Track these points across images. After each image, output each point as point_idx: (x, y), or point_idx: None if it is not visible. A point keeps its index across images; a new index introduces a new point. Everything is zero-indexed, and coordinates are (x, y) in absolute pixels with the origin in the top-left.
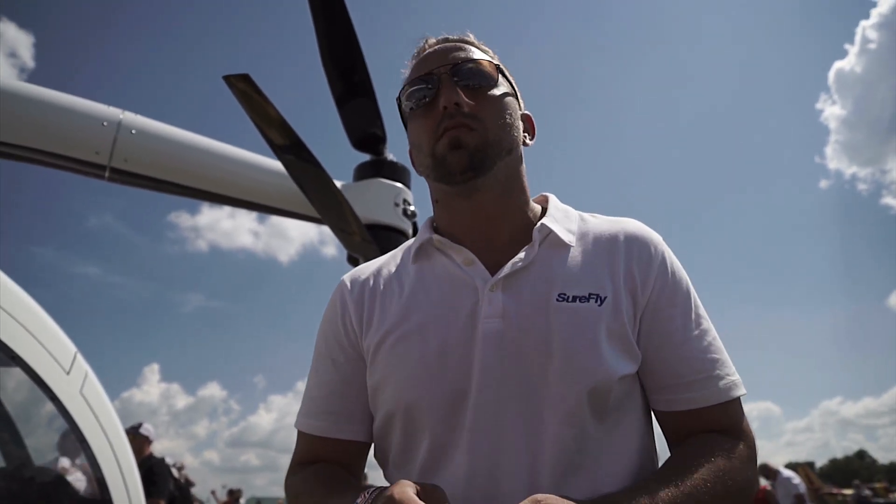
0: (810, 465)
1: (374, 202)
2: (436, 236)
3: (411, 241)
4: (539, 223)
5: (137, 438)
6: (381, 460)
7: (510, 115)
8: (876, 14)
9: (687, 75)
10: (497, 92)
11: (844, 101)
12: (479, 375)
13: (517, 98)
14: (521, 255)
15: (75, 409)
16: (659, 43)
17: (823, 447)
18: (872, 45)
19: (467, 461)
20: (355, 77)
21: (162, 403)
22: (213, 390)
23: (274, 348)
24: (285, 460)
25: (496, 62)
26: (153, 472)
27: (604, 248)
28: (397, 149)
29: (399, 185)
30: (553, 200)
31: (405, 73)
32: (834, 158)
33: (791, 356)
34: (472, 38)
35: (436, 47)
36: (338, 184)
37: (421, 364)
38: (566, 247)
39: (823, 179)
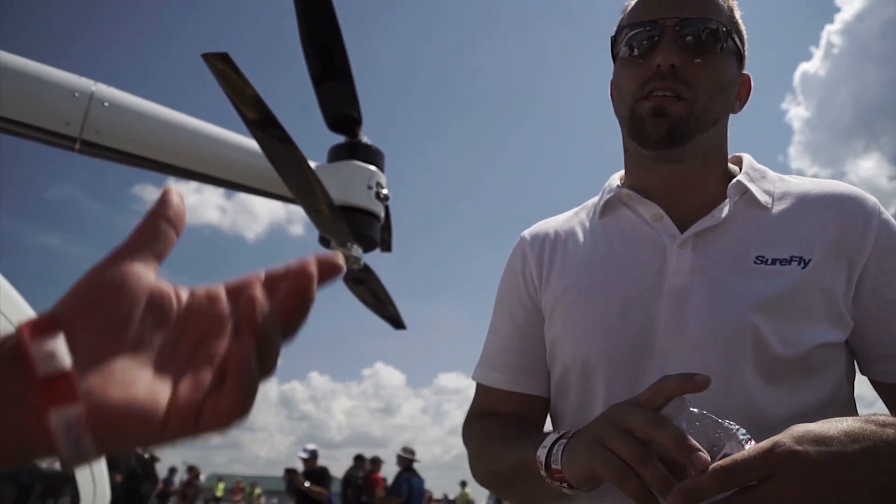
0: None
1: (347, 184)
2: (625, 190)
3: (596, 197)
4: (734, 180)
5: None
6: (556, 420)
7: (727, 83)
8: (840, 20)
9: None
10: (721, 58)
11: (809, 103)
12: (663, 333)
13: (742, 58)
14: (714, 212)
15: None
16: None
17: None
18: (836, 50)
19: None
20: (333, 58)
21: None
22: None
23: None
24: (247, 438)
25: (734, 19)
26: None
27: (808, 208)
28: (372, 132)
29: (373, 168)
30: (748, 159)
31: (627, 4)
32: (797, 158)
33: None
34: None
35: None
36: (311, 164)
37: (601, 319)
38: (764, 208)
39: None
